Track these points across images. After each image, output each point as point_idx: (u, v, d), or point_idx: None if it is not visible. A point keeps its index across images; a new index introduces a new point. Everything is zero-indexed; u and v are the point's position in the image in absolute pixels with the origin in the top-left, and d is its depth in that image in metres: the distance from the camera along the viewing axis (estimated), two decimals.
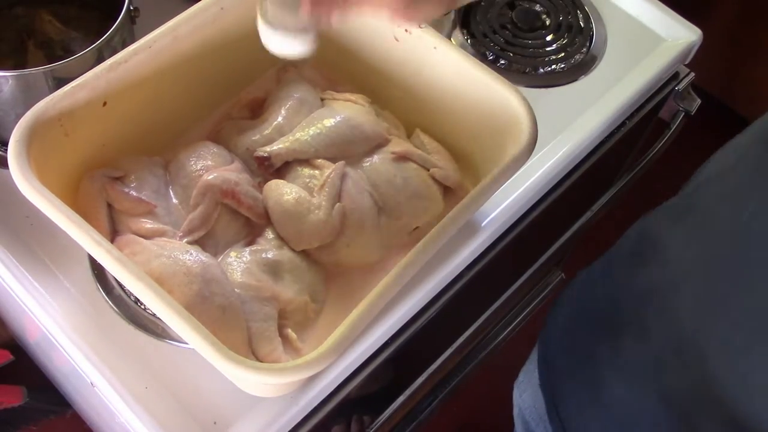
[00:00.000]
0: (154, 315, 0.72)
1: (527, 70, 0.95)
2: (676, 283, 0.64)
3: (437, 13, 0.55)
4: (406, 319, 0.77)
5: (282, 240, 0.72)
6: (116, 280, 0.74)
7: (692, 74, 1.01)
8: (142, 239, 0.68)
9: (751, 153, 0.62)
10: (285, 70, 0.83)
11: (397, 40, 0.78)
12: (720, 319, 0.59)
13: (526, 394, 1.03)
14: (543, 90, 0.93)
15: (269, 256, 0.70)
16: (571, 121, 0.90)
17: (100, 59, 0.71)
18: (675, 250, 0.65)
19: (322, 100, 0.81)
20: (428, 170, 0.77)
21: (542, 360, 0.89)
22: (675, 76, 1.01)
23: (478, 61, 0.75)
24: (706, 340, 0.60)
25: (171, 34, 0.72)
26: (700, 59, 1.00)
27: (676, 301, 0.64)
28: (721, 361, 0.58)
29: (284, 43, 0.60)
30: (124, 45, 0.73)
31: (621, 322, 0.73)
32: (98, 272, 0.75)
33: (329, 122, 0.76)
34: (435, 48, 0.76)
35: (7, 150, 0.64)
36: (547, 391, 0.87)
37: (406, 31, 0.77)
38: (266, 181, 0.75)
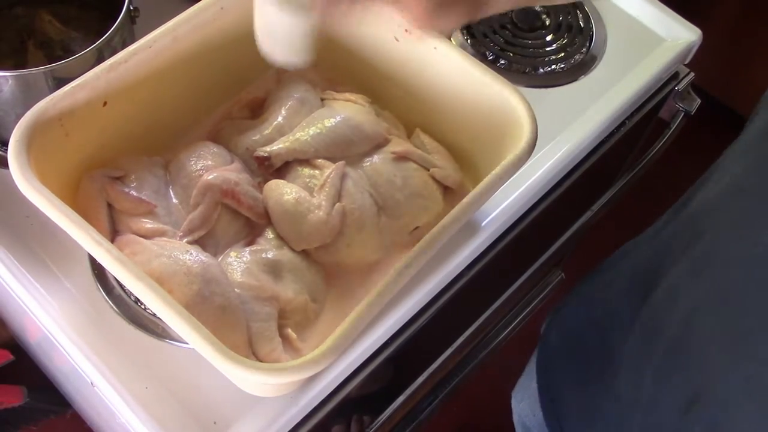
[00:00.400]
0: (154, 315, 0.72)
1: (527, 70, 0.95)
2: (686, 320, 0.61)
3: (457, 25, 0.52)
4: (406, 319, 0.77)
5: (282, 240, 0.72)
6: (116, 280, 0.74)
7: (692, 74, 1.01)
8: (142, 239, 0.68)
9: (750, 182, 0.59)
10: (285, 70, 0.83)
11: (397, 40, 0.78)
12: (741, 358, 0.55)
13: (524, 403, 1.03)
14: (543, 90, 0.93)
15: (269, 256, 0.70)
16: (571, 121, 0.90)
17: (100, 59, 0.72)
18: (682, 286, 0.63)
19: (322, 100, 0.81)
20: (428, 170, 0.77)
21: (542, 389, 0.88)
22: (675, 76, 1.01)
23: (478, 61, 0.75)
24: (725, 383, 0.57)
25: (171, 34, 0.72)
26: (700, 59, 1.00)
27: (687, 340, 0.61)
28: (743, 407, 0.55)
29: (284, 45, 0.55)
30: (124, 45, 0.73)
31: (618, 365, 0.70)
32: (98, 272, 0.75)
33: (329, 122, 0.76)
34: (435, 48, 0.76)
35: (7, 150, 0.64)
36: (548, 412, 0.86)
37: (406, 31, 0.77)
38: (266, 181, 0.75)
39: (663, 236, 0.71)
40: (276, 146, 0.75)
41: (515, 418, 1.09)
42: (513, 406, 1.09)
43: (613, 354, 0.73)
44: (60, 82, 0.70)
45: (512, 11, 1.00)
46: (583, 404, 0.81)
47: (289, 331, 0.68)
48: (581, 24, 1.00)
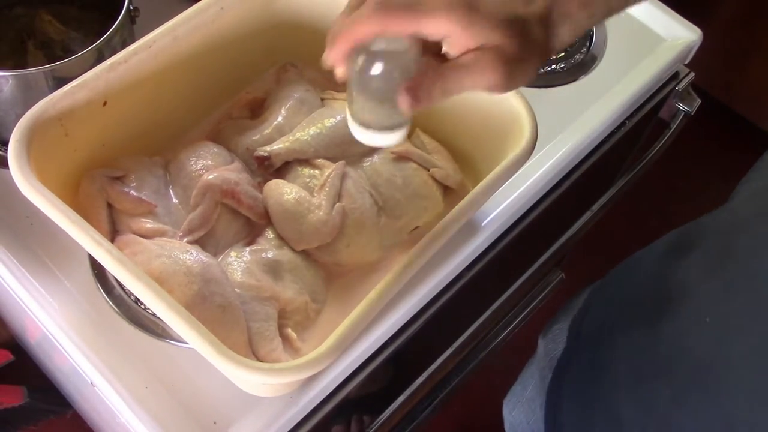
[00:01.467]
0: (154, 315, 0.72)
1: None
2: (717, 341, 0.59)
3: (533, 77, 0.53)
4: (406, 319, 0.77)
5: (282, 240, 0.72)
6: (116, 280, 0.74)
7: (692, 74, 1.01)
8: (142, 239, 0.68)
9: None
10: (285, 70, 0.83)
11: None
12: None
13: (516, 412, 1.02)
14: (543, 90, 0.93)
15: (269, 255, 0.70)
16: (571, 121, 0.90)
17: (100, 59, 0.71)
18: (712, 304, 0.61)
19: (322, 99, 0.81)
20: (428, 170, 0.77)
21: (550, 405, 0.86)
22: (675, 76, 1.01)
23: None
24: (761, 405, 0.54)
25: (171, 34, 0.72)
26: (700, 59, 1.00)
27: (716, 361, 0.59)
28: None
29: (380, 138, 0.57)
30: (124, 45, 0.73)
31: (649, 379, 0.68)
32: (98, 272, 0.75)
33: (329, 122, 0.77)
34: None
35: (7, 150, 0.64)
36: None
37: None
38: (266, 181, 0.75)
39: (691, 252, 0.68)
40: (276, 146, 0.75)
41: (507, 426, 1.08)
42: (504, 415, 1.08)
43: (614, 373, 0.72)
44: (60, 82, 0.70)
45: None
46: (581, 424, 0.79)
47: (289, 331, 0.68)
48: None
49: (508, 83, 0.51)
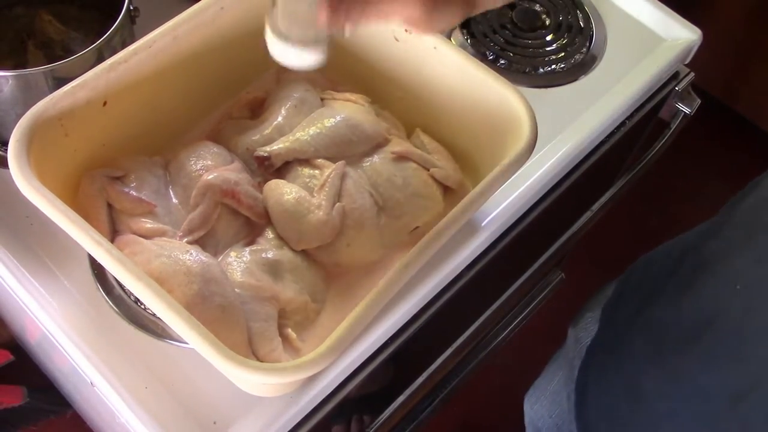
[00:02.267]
0: (154, 315, 0.72)
1: (527, 70, 0.95)
2: (747, 309, 0.61)
3: (454, 22, 0.53)
4: (406, 319, 0.77)
5: (282, 240, 0.72)
6: (116, 280, 0.74)
7: (692, 74, 1.01)
8: (142, 239, 0.68)
9: None
10: (285, 70, 0.83)
11: (397, 40, 0.78)
12: None
13: (539, 405, 1.02)
14: (543, 90, 0.93)
15: (269, 255, 0.70)
16: (571, 121, 0.90)
17: (100, 59, 0.72)
18: (743, 272, 0.62)
19: (322, 99, 0.81)
20: (428, 170, 0.77)
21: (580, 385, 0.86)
22: (675, 76, 1.01)
23: (478, 61, 0.75)
24: None
25: (171, 34, 0.72)
26: (700, 59, 1.00)
27: (745, 327, 0.60)
28: None
29: (297, 56, 0.58)
30: (124, 45, 0.73)
31: (674, 348, 0.69)
32: (98, 272, 0.75)
33: (329, 122, 0.77)
34: (435, 48, 0.76)
35: (7, 150, 0.64)
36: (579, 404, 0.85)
37: (406, 31, 0.77)
38: (266, 181, 0.75)
39: (721, 229, 0.70)
40: (276, 146, 0.75)
41: (527, 420, 1.08)
42: (525, 410, 1.08)
43: (638, 347, 0.72)
44: (60, 82, 0.70)
45: (512, 11, 1.00)
46: (603, 402, 0.80)
47: (289, 331, 0.69)
48: (581, 24, 1.00)
49: (428, 22, 0.52)
